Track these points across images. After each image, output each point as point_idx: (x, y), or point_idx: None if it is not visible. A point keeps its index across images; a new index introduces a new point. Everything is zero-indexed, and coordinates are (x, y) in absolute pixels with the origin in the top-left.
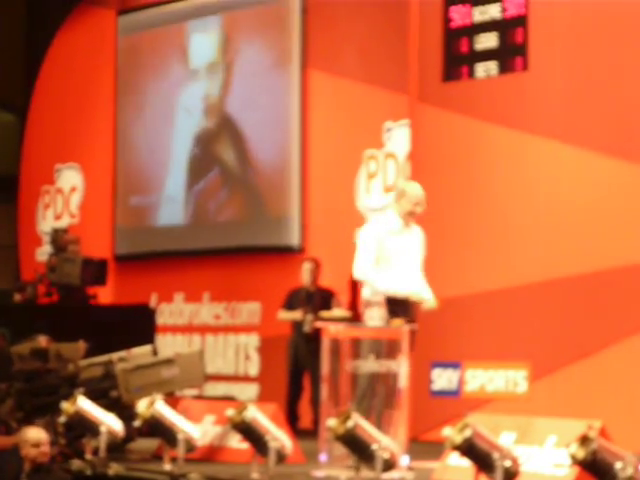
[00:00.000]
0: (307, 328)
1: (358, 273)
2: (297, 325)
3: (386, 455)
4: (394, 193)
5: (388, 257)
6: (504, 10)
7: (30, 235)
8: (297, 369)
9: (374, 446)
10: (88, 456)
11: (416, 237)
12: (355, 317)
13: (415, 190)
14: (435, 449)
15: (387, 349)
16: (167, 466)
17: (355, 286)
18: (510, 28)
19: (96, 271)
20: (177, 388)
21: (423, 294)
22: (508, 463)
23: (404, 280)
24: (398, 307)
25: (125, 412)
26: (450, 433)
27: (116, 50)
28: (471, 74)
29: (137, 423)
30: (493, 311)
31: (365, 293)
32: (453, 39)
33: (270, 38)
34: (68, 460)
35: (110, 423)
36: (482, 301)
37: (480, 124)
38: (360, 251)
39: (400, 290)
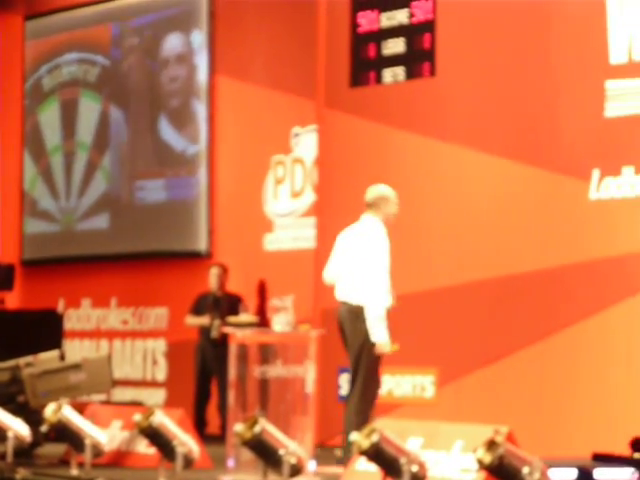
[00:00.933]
0: (214, 333)
1: (374, 295)
2: (204, 330)
3: (293, 460)
4: (371, 201)
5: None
6: (411, 16)
7: None
8: (204, 374)
9: (281, 451)
10: None
11: None
12: (262, 322)
13: (392, 191)
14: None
15: (294, 354)
16: (74, 471)
17: (263, 291)
18: (417, 34)
19: (3, 276)
20: (84, 393)
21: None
22: (415, 468)
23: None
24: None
25: (32, 417)
26: (357, 438)
27: (24, 55)
28: (379, 79)
29: (44, 428)
30: (400, 316)
31: (376, 312)
32: (360, 44)
33: (178, 44)
34: None
35: (17, 428)
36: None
37: (388, 129)
38: (381, 272)
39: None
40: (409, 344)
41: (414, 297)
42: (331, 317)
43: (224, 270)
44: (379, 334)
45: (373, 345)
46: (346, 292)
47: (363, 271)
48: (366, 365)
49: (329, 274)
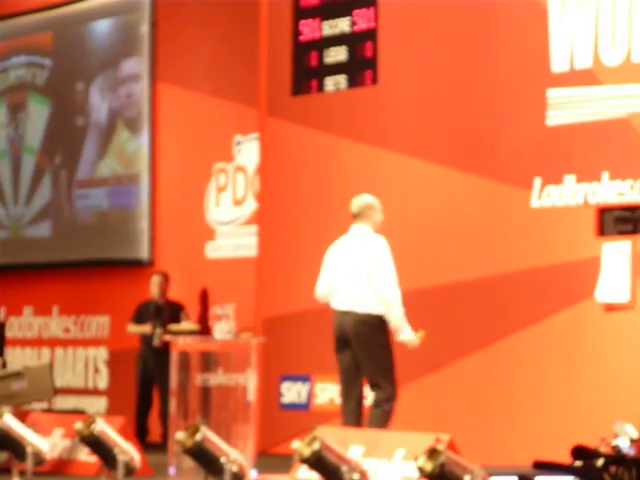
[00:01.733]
0: (156, 342)
1: (394, 295)
2: (146, 338)
3: (235, 468)
4: (358, 211)
5: None
6: (353, 24)
7: None
8: (146, 382)
9: (223, 459)
10: None
11: None
12: (204, 330)
13: (376, 199)
14: (285, 462)
15: (236, 362)
16: (16, 479)
17: (204, 299)
18: (359, 42)
19: None
20: (26, 401)
21: None
22: (356, 476)
23: None
24: None
25: None
26: (299, 446)
27: None
28: (321, 88)
29: None
30: None
31: (399, 312)
32: (302, 53)
33: (121, 51)
34: None
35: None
36: (330, 314)
37: (330, 137)
38: (391, 274)
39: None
40: None
41: None
42: (273, 325)
43: (166, 278)
44: (407, 332)
45: (388, 348)
46: (353, 302)
47: (375, 279)
48: (379, 372)
49: (323, 290)
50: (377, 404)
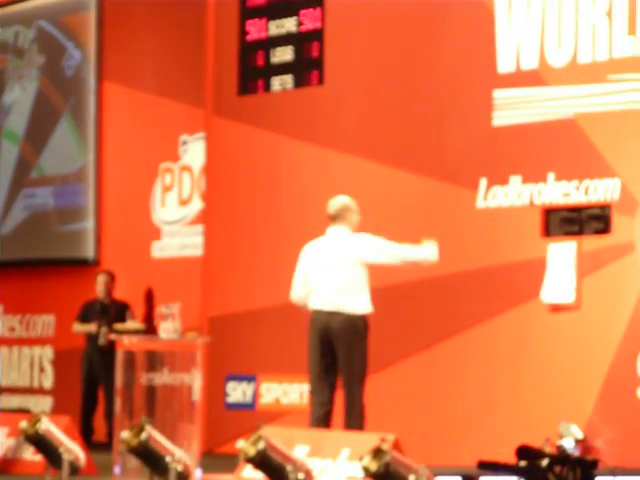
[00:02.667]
0: (102, 341)
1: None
2: (91, 337)
3: (180, 467)
4: (336, 213)
5: None
6: (300, 24)
7: None
8: (91, 382)
9: (168, 458)
10: None
11: None
12: (149, 329)
13: (352, 200)
14: (230, 462)
15: (181, 362)
16: None
17: (150, 299)
18: (306, 42)
19: None
20: None
21: None
22: (301, 476)
23: None
24: None
25: None
26: (243, 445)
27: None
28: (267, 88)
29: None
30: (287, 324)
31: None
32: (249, 52)
33: (68, 49)
34: None
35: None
36: (276, 314)
37: (276, 137)
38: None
39: None
40: (296, 352)
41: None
42: (218, 325)
43: (111, 277)
44: (426, 251)
45: (366, 354)
46: (339, 302)
47: (381, 255)
48: (358, 372)
49: (299, 292)
50: (352, 408)
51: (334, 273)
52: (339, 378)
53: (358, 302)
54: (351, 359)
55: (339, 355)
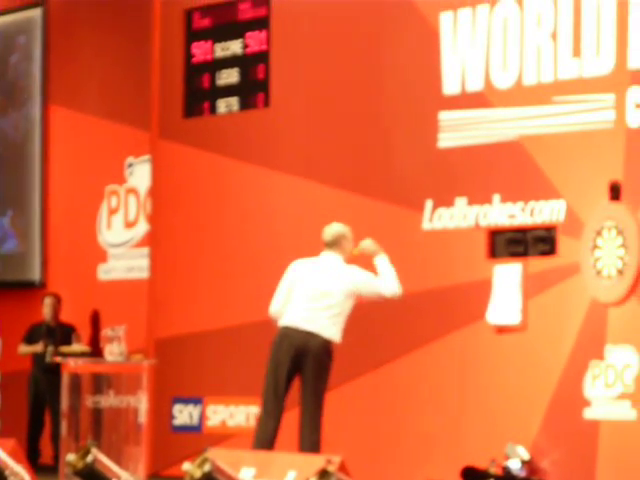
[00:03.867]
0: (49, 358)
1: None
2: (38, 359)
3: None
4: (332, 240)
5: None
6: (246, 46)
7: None
8: (38, 404)
9: None
10: None
11: None
12: (95, 352)
13: (348, 228)
14: None
15: (127, 384)
16: None
17: (96, 321)
18: (252, 64)
19: None
20: None
21: None
22: None
23: None
24: None
25: None
26: (189, 468)
27: None
28: (212, 110)
29: None
30: (234, 346)
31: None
32: (194, 75)
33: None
34: None
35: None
36: (223, 336)
37: (222, 160)
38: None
39: None
40: (242, 375)
41: (249, 328)
42: (164, 347)
43: (58, 300)
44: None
45: (328, 377)
46: (321, 325)
47: (342, 309)
48: (322, 394)
49: (279, 306)
50: (312, 431)
51: (322, 296)
52: (300, 399)
53: (335, 329)
54: (319, 382)
55: (307, 376)
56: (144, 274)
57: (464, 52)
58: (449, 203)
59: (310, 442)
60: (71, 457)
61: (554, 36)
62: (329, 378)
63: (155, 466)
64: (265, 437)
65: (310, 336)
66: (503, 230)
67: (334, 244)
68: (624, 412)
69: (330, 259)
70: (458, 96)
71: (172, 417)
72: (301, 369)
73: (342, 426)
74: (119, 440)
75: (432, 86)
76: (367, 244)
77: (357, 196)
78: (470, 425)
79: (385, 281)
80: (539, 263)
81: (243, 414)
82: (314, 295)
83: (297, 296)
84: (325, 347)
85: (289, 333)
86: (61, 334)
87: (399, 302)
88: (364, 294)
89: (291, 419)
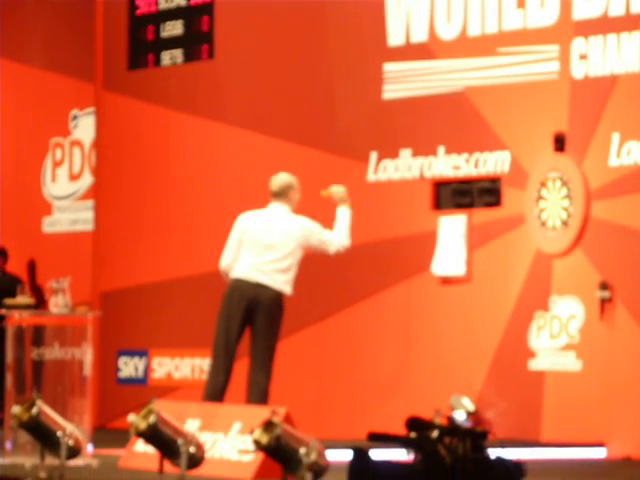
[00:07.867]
0: None
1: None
2: None
3: (71, 442)
4: (279, 190)
5: None
6: None
7: None
8: None
9: (59, 433)
10: None
11: None
12: (39, 304)
13: (295, 178)
14: (122, 436)
15: (72, 336)
16: None
17: (32, 271)
18: (196, 16)
19: None
20: None
21: None
22: (193, 449)
23: None
24: None
25: None
26: (134, 419)
27: None
28: (157, 62)
29: None
30: (179, 299)
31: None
32: (139, 27)
33: None
34: None
35: None
36: (168, 288)
37: (166, 111)
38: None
39: None
40: (187, 327)
41: (192, 280)
42: (110, 299)
43: (2, 252)
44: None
45: (279, 333)
46: (270, 277)
47: (322, 244)
48: (273, 345)
49: (229, 260)
50: (261, 383)
51: (272, 247)
52: (250, 350)
53: (286, 281)
54: (270, 334)
55: (258, 328)
56: (89, 226)
57: (408, 3)
58: (394, 155)
59: (258, 392)
60: (16, 409)
61: None
62: (280, 330)
63: (100, 418)
64: (215, 391)
65: (261, 288)
66: (448, 181)
67: (281, 194)
68: (569, 363)
69: (277, 210)
70: (402, 47)
71: (117, 369)
72: (252, 321)
73: (287, 378)
74: (64, 392)
75: (377, 38)
76: (337, 190)
77: (302, 148)
78: (415, 376)
79: (337, 232)
80: (484, 214)
81: (188, 366)
82: (264, 247)
83: (247, 249)
84: (276, 299)
85: (240, 285)
86: (6, 286)
87: (344, 254)
88: (312, 245)
89: (241, 371)
